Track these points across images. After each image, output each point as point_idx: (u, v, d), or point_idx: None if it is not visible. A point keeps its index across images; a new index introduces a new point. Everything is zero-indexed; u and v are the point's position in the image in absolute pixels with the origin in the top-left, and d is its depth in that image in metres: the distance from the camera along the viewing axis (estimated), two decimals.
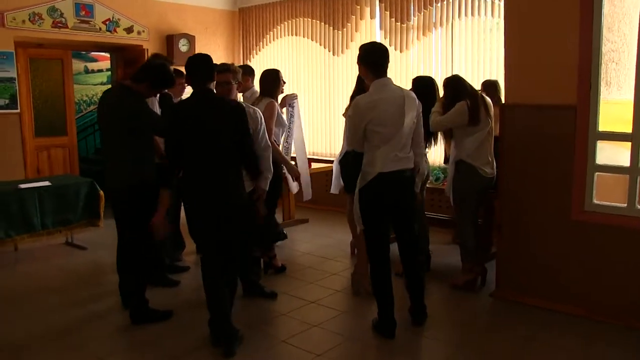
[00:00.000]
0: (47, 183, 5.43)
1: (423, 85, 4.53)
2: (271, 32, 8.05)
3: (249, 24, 8.35)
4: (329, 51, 7.34)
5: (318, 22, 7.41)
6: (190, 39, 7.69)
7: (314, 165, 6.81)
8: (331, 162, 6.21)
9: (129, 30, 7.26)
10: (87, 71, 10.83)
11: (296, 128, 5.43)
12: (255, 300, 4.19)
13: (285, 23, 7.85)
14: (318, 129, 7.66)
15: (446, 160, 4.86)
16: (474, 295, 4.27)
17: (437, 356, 3.43)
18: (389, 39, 6.60)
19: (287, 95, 5.21)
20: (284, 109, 5.18)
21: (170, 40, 7.57)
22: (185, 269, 4.91)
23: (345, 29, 7.11)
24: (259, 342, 3.51)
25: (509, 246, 4.13)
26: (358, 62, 3.51)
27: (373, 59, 3.45)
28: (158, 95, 4.03)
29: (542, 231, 3.94)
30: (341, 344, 3.51)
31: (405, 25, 6.48)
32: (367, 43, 3.58)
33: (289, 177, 5.11)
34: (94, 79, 10.81)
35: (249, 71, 4.95)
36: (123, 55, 7.68)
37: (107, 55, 8.91)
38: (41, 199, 5.27)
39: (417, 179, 3.69)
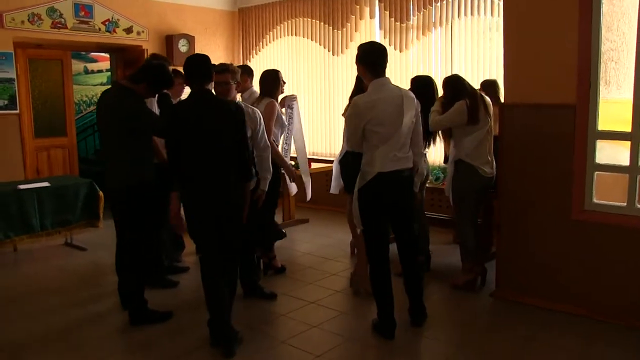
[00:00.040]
0: (46, 184, 5.43)
1: (422, 84, 4.53)
2: (271, 32, 8.05)
3: (248, 24, 8.35)
4: (329, 51, 7.33)
5: (318, 22, 7.40)
6: (190, 40, 7.68)
7: (314, 165, 6.80)
8: (331, 162, 6.21)
9: (129, 30, 7.25)
10: (86, 72, 10.82)
11: (296, 129, 5.42)
12: (255, 301, 4.18)
13: (285, 23, 7.84)
14: (318, 129, 7.66)
15: (446, 159, 4.85)
16: (474, 295, 4.27)
17: (437, 356, 3.42)
18: (389, 39, 6.59)
19: (286, 97, 5.21)
20: (283, 110, 5.17)
21: (169, 40, 7.56)
22: (184, 269, 4.90)
23: (344, 29, 7.10)
24: (259, 342, 3.51)
25: (508, 246, 4.13)
26: (357, 62, 3.50)
27: (371, 59, 3.44)
28: (157, 95, 4.02)
29: (542, 231, 3.94)
30: (341, 344, 3.51)
31: (404, 25, 6.48)
32: (366, 43, 3.57)
33: (288, 178, 5.10)
34: (93, 79, 10.80)
35: (247, 71, 4.95)
36: (123, 55, 7.68)
37: (107, 55, 8.90)
38: (40, 200, 5.26)
39: (416, 178, 3.69)
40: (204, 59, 3.43)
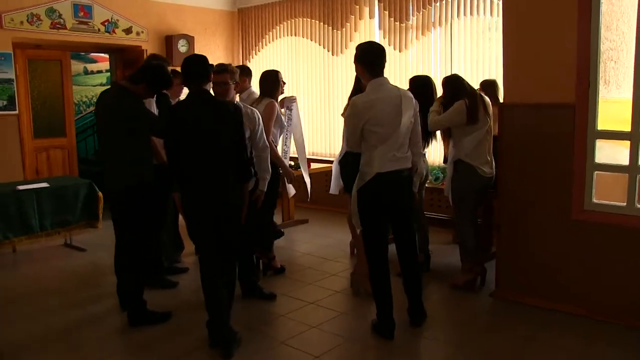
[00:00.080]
0: (45, 184, 5.42)
1: (420, 84, 4.53)
2: (270, 33, 8.05)
3: (248, 24, 8.35)
4: (328, 51, 7.33)
5: (317, 22, 7.40)
6: (190, 40, 7.68)
7: (313, 165, 6.80)
8: (330, 162, 6.21)
9: (128, 31, 7.25)
10: (86, 72, 10.82)
11: (296, 130, 5.42)
12: (254, 301, 4.17)
13: (285, 23, 7.84)
14: (317, 129, 7.65)
15: (445, 159, 4.85)
16: (474, 295, 4.26)
17: (437, 356, 3.42)
18: (388, 39, 6.59)
19: (285, 98, 5.19)
20: (282, 110, 5.17)
21: (169, 41, 7.56)
22: (184, 270, 4.90)
23: (344, 29, 7.10)
24: (258, 343, 3.50)
25: (508, 246, 4.12)
26: (355, 62, 3.50)
27: (370, 59, 3.43)
28: (155, 96, 4.01)
29: (542, 231, 3.93)
30: (340, 345, 3.50)
31: (404, 24, 6.47)
32: (364, 42, 3.56)
33: (285, 179, 5.09)
34: (93, 80, 10.80)
35: (245, 72, 4.94)
36: (122, 56, 7.67)
37: (107, 56, 8.90)
38: (39, 201, 5.25)
39: (415, 178, 3.69)
40: (202, 59, 3.42)
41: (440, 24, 6.18)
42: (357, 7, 6.93)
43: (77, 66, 10.28)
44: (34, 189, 5.27)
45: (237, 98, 4.00)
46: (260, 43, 8.19)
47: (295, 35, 7.75)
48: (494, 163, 4.26)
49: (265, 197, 4.05)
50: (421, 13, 6.30)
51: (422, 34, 6.34)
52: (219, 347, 3.33)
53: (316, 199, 6.07)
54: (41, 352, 3.47)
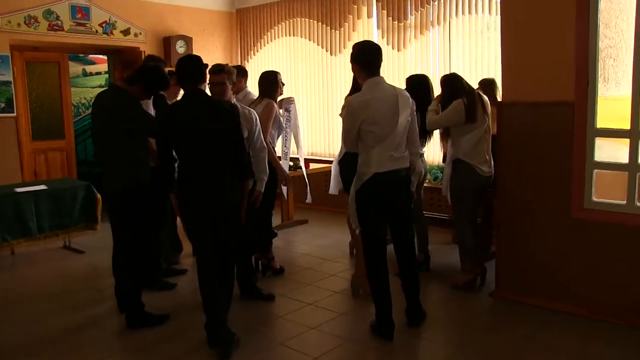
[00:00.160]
0: (43, 187, 5.41)
1: (416, 82, 4.53)
2: (269, 33, 8.03)
3: (246, 24, 8.33)
4: (327, 51, 7.32)
5: (315, 22, 7.39)
6: (188, 41, 7.66)
7: (313, 165, 6.79)
8: (330, 162, 6.20)
9: (126, 32, 7.23)
10: (85, 74, 10.79)
11: (294, 131, 5.40)
12: (253, 302, 4.16)
13: (283, 23, 7.83)
14: (316, 129, 7.64)
15: (445, 159, 4.83)
16: (474, 295, 4.24)
17: (437, 357, 3.39)
18: (387, 38, 6.58)
19: (283, 99, 5.17)
20: (281, 111, 5.15)
21: (167, 42, 7.54)
22: (182, 271, 4.88)
23: (342, 29, 7.09)
24: (256, 345, 3.48)
25: (508, 245, 4.10)
26: (351, 61, 3.48)
27: (366, 58, 3.42)
28: (152, 97, 3.99)
29: (541, 230, 3.91)
30: (339, 346, 3.48)
31: (402, 24, 6.46)
32: (360, 42, 3.55)
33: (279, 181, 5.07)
34: (92, 81, 10.77)
35: (241, 72, 4.93)
36: (120, 57, 7.66)
37: (105, 57, 8.88)
38: (37, 203, 5.24)
39: (413, 178, 3.66)
40: (196, 59, 3.41)
41: (438, 23, 6.16)
42: (355, 6, 6.92)
43: (75, 68, 10.26)
44: (32, 191, 5.25)
45: (234, 99, 3.98)
46: (259, 43, 8.18)
47: (293, 35, 7.74)
48: (492, 162, 4.24)
49: (263, 198, 4.03)
50: (419, 12, 6.28)
51: (421, 33, 6.33)
52: (217, 348, 3.31)
53: (315, 199, 6.05)
54: (40, 354, 3.45)
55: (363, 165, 3.42)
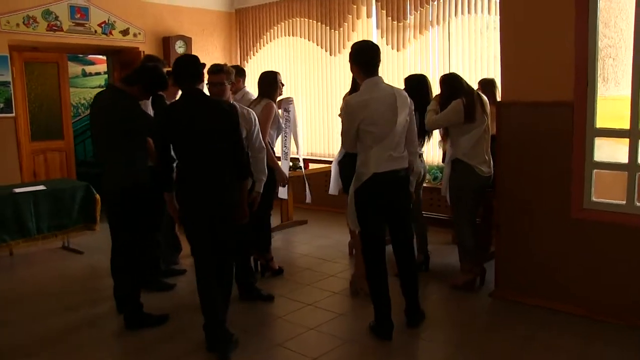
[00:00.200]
0: (42, 187, 5.40)
1: (415, 82, 4.53)
2: (268, 33, 8.02)
3: (245, 25, 8.33)
4: (326, 51, 7.31)
5: (315, 22, 7.39)
6: (187, 41, 7.66)
7: (312, 165, 6.78)
8: (329, 162, 6.19)
9: (125, 32, 7.23)
10: (84, 74, 10.79)
11: (294, 131, 5.40)
12: (252, 303, 4.15)
13: (282, 24, 7.82)
14: (316, 129, 7.63)
15: (444, 159, 4.82)
16: (473, 296, 4.23)
17: (436, 357, 3.38)
18: (386, 38, 6.57)
19: (282, 99, 5.17)
20: (280, 111, 5.14)
21: (166, 42, 7.53)
22: (181, 272, 4.87)
23: (342, 29, 7.08)
24: (255, 346, 3.47)
25: (507, 245, 4.09)
26: (350, 61, 3.47)
27: (364, 58, 3.41)
28: (151, 97, 3.98)
29: (541, 230, 3.90)
30: (338, 347, 3.47)
31: (401, 24, 6.45)
32: (358, 42, 3.53)
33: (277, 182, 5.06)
34: (91, 82, 10.77)
35: (239, 72, 4.92)
36: (119, 57, 7.65)
37: (105, 58, 8.87)
38: (36, 204, 5.23)
39: (412, 178, 3.65)
40: (192, 59, 3.40)
41: (437, 23, 6.16)
42: (355, 6, 6.91)
43: (75, 68, 10.26)
44: (30, 191, 5.24)
45: (232, 99, 3.97)
46: (258, 44, 8.17)
47: (293, 35, 7.73)
48: (492, 162, 4.23)
49: (262, 199, 4.02)
50: (419, 12, 6.28)
51: (420, 32, 6.32)
52: (216, 349, 3.30)
53: (315, 199, 6.04)
54: (39, 354, 3.44)
55: (362, 166, 3.42)
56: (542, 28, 3.75)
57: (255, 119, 3.92)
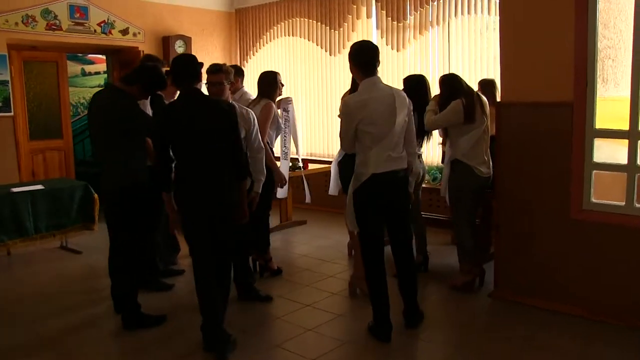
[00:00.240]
0: (40, 187, 5.38)
1: (414, 82, 4.52)
2: (268, 33, 8.02)
3: (245, 25, 8.32)
4: (326, 51, 7.31)
5: (314, 22, 7.38)
6: (187, 41, 7.65)
7: (311, 166, 6.78)
8: (329, 162, 6.18)
9: (125, 32, 7.22)
10: (84, 74, 10.77)
11: (293, 132, 5.39)
12: (250, 303, 4.14)
13: (282, 24, 7.82)
14: (315, 129, 7.63)
15: (444, 159, 4.81)
16: (473, 296, 4.23)
17: (436, 358, 3.38)
18: (386, 38, 6.57)
19: (281, 99, 5.16)
20: (279, 111, 5.13)
21: (166, 41, 7.52)
22: (180, 272, 4.86)
23: (341, 29, 7.08)
24: (253, 346, 3.46)
25: (507, 246, 4.08)
26: (349, 62, 3.46)
27: (363, 59, 3.40)
28: (150, 97, 3.98)
29: (540, 230, 3.90)
30: (337, 348, 3.46)
31: (401, 24, 6.45)
32: (357, 42, 3.52)
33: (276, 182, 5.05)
34: (91, 81, 10.75)
35: (238, 72, 4.91)
36: (119, 57, 7.64)
37: (104, 57, 8.86)
38: (34, 203, 5.21)
39: (410, 178, 3.64)
40: (190, 58, 3.39)
41: (437, 23, 6.16)
42: (355, 6, 6.91)
43: (74, 68, 10.24)
44: (28, 191, 5.23)
45: (231, 98, 3.96)
46: (258, 44, 8.17)
47: (292, 35, 7.73)
48: (491, 163, 4.22)
49: (261, 199, 4.02)
50: (418, 12, 6.28)
51: (420, 33, 6.32)
52: (214, 350, 3.29)
53: (314, 200, 6.04)
54: (36, 355, 3.43)
55: (361, 166, 3.41)
56: (541, 29, 3.75)
57: (254, 119, 3.92)
